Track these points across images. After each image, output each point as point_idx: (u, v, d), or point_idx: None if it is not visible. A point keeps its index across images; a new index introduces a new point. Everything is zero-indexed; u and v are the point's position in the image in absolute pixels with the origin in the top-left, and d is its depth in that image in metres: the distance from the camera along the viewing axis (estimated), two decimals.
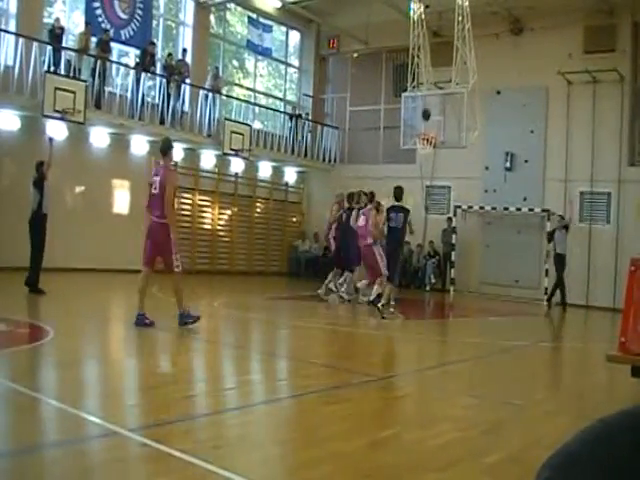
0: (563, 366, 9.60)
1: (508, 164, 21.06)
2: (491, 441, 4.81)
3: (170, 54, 20.46)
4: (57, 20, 17.53)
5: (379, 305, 12.17)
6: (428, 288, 21.54)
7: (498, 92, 21.14)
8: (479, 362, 8.78)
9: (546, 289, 19.34)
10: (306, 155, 24.07)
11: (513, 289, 20.39)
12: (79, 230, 17.48)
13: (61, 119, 16.36)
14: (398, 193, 13.36)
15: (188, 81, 20.68)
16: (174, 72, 20.02)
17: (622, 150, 19.29)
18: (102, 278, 16.27)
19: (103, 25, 18.50)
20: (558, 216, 18.95)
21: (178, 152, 20.26)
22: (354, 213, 14.72)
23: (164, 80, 19.48)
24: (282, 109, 25.14)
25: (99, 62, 17.76)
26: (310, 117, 25.25)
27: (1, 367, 6.35)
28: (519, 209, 20.34)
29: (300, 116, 24.37)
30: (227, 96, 22.77)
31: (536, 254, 20.16)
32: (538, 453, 3.89)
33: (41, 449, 4.01)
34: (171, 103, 19.68)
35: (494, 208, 20.95)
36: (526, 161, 20.93)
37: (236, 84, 24.61)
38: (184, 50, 21.07)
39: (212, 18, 22.97)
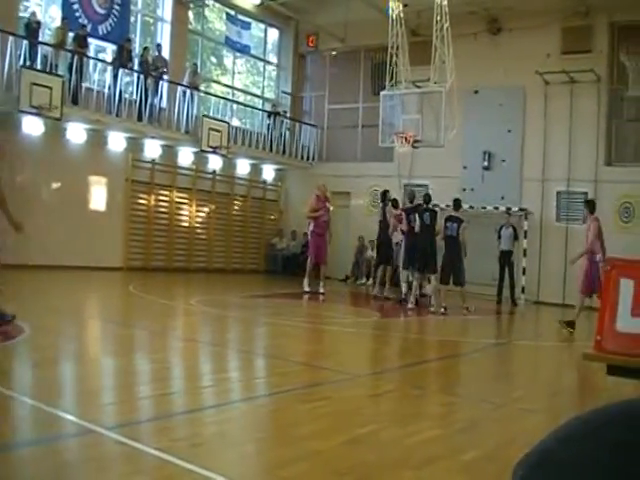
0: (540, 364, 9.66)
1: (486, 163, 21.16)
2: (468, 439, 4.83)
3: (146, 48, 20.36)
4: (33, 14, 17.35)
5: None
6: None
7: (476, 91, 21.22)
8: (456, 360, 8.82)
9: (523, 287, 19.48)
10: (284, 153, 24.03)
11: (490, 287, 20.47)
12: (55, 227, 17.34)
13: (37, 115, 16.22)
14: (457, 204, 15.29)
15: (166, 77, 20.58)
16: (150, 68, 19.91)
17: (599, 150, 19.44)
18: (78, 275, 16.15)
19: (80, 20, 18.33)
20: (506, 213, 19.12)
21: (155, 149, 20.18)
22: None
23: (142, 76, 19.38)
24: (260, 106, 25.10)
25: (76, 57, 17.61)
26: (289, 115, 25.23)
27: None
28: (497, 208, 20.44)
29: (279, 114, 24.34)
30: (205, 93, 22.68)
31: (513, 253, 20.27)
32: (515, 451, 3.91)
33: (16, 448, 3.97)
34: (149, 99, 19.58)
35: (472, 207, 21.01)
36: (503, 160, 21.03)
37: (214, 81, 24.52)
38: (158, 45, 20.92)
39: (190, 14, 22.84)
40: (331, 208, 16.60)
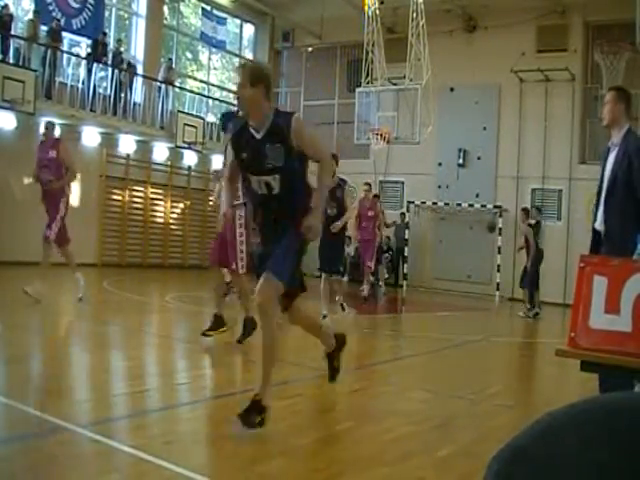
0: (515, 361, 9.72)
1: (461, 160, 21.28)
2: (443, 435, 4.84)
3: (120, 40, 20.23)
4: (5, 7, 17.15)
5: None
6: (381, 283, 21.64)
7: (452, 89, 21.32)
8: (432, 356, 8.85)
9: (498, 284, 19.61)
10: None
11: (465, 284, 20.61)
12: (27, 223, 17.14)
13: (10, 109, 16.05)
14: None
15: (140, 72, 20.46)
16: (122, 60, 19.78)
17: (573, 148, 19.62)
18: (51, 271, 15.98)
19: (54, 14, 18.14)
20: (536, 209, 18.76)
21: (130, 144, 20.04)
22: None
23: (116, 71, 19.24)
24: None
25: (50, 51, 17.45)
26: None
27: None
28: (472, 205, 20.56)
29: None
30: (180, 88, 22.58)
31: (488, 250, 20.40)
32: (489, 447, 3.93)
33: None
34: (123, 94, 19.44)
35: (447, 204, 21.14)
36: (479, 158, 21.16)
37: (189, 76, 24.42)
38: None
39: (166, 9, 22.73)
40: None
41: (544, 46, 19.86)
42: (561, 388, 7.44)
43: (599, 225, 5.55)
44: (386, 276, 21.63)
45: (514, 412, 5.69)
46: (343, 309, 11.67)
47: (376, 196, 16.58)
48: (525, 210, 15.45)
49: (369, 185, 15.33)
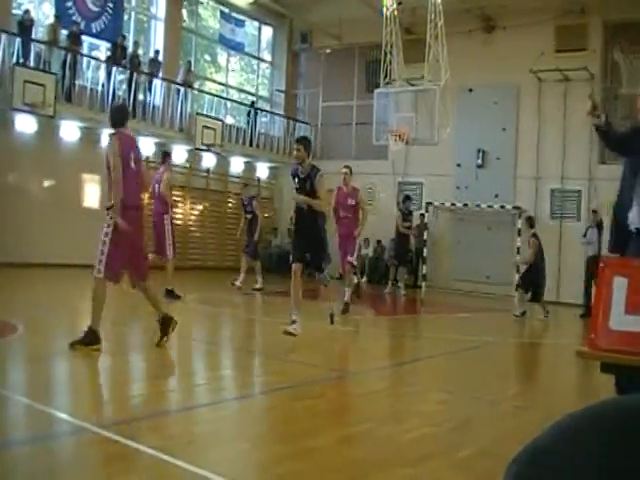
0: (534, 362, 9.68)
1: (480, 161, 21.20)
2: (463, 436, 4.84)
3: (136, 42, 20.37)
4: (27, 12, 17.31)
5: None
6: (400, 284, 21.58)
7: (470, 89, 21.24)
8: (451, 358, 8.83)
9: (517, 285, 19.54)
10: (278, 151, 24.04)
11: (484, 285, 20.53)
12: (47, 225, 17.28)
13: (30, 112, 16.18)
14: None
15: (160, 75, 20.56)
16: (140, 63, 19.90)
17: (592, 148, 19.47)
18: (72, 273, 16.11)
19: (74, 17, 18.28)
20: (593, 212, 18.24)
21: (149, 147, 20.13)
22: None
23: (135, 73, 19.34)
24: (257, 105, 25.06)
25: (69, 55, 17.58)
26: (283, 113, 25.21)
27: None
28: (490, 206, 20.47)
29: (253, 104, 24.23)
30: (199, 91, 22.65)
31: (507, 251, 20.30)
32: (509, 448, 3.92)
33: (9, 446, 3.95)
34: (142, 97, 19.55)
35: (466, 205, 21.06)
36: (498, 158, 21.07)
37: (208, 79, 24.49)
38: (157, 51, 20.95)
39: (184, 12, 22.83)
40: None
41: (563, 46, 19.74)
42: (581, 389, 7.40)
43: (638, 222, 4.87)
44: (406, 277, 21.58)
45: (533, 413, 5.67)
46: (332, 321, 9.75)
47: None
48: (529, 220, 14.87)
49: (349, 168, 13.02)
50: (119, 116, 7.47)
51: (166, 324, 7.36)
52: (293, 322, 8.31)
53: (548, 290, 19.35)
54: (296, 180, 8.88)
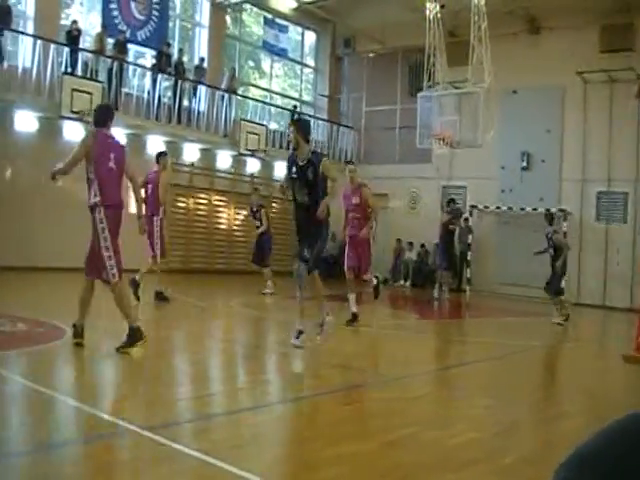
0: (580, 367, 9.56)
1: (524, 164, 21.02)
2: (508, 442, 4.80)
3: (181, 49, 20.61)
4: (74, 22, 17.63)
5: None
6: (444, 288, 21.46)
7: (514, 91, 21.07)
8: (496, 362, 8.76)
9: (562, 289, 19.32)
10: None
11: (529, 289, 20.30)
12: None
13: (78, 120, 16.45)
14: None
15: (205, 81, 20.77)
16: (184, 70, 20.14)
17: (639, 149, 19.18)
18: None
19: (120, 26, 18.61)
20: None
21: (194, 152, 20.35)
22: None
23: (180, 80, 19.56)
24: (298, 109, 25.13)
25: (116, 63, 17.85)
26: (326, 117, 25.25)
27: (21, 366, 6.40)
28: (535, 209, 20.26)
29: (295, 108, 24.31)
30: (243, 96, 22.82)
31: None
32: (555, 454, 3.88)
33: (58, 448, 4.02)
34: (187, 103, 19.77)
35: (510, 208, 20.89)
36: (543, 161, 20.86)
37: (252, 84, 24.67)
38: (202, 59, 21.18)
39: (228, 19, 23.03)
40: None
41: (608, 46, 19.45)
42: (627, 394, 7.29)
43: None
44: (450, 280, 21.43)
45: (579, 419, 5.61)
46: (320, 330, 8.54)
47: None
48: (549, 215, 14.22)
49: (353, 164, 12.48)
50: (101, 116, 7.65)
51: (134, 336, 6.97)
52: (300, 333, 7.98)
53: (593, 293, 19.17)
54: (294, 169, 8.07)
